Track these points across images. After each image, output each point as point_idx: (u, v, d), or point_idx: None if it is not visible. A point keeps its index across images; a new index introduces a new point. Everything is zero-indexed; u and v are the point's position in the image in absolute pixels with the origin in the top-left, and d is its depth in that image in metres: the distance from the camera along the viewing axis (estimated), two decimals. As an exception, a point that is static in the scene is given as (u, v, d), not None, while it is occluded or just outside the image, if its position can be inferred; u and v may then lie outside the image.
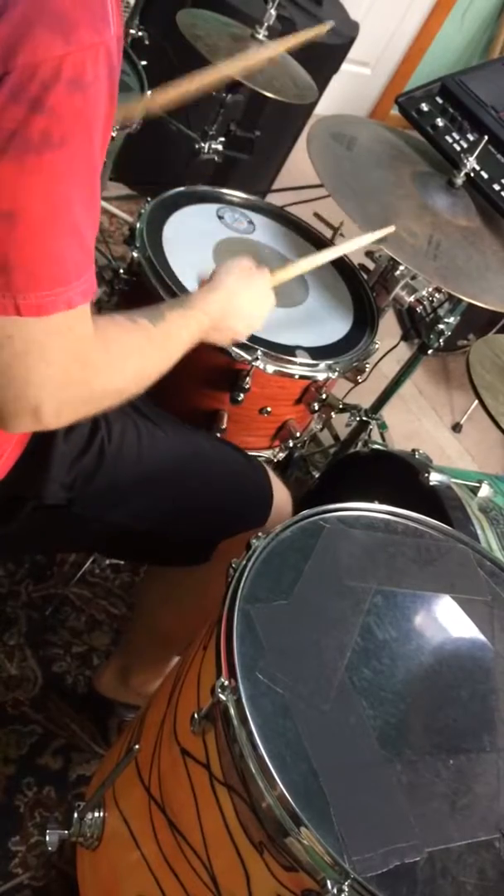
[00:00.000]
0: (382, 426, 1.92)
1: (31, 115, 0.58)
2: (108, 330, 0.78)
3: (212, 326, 1.00)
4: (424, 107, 1.52)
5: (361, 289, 1.51)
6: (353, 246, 1.25)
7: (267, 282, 1.10)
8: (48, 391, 0.70)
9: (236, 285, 1.04)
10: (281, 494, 1.14)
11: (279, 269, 1.14)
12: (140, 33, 1.93)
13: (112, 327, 0.81)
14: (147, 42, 1.93)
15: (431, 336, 1.60)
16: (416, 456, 1.31)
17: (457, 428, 2.54)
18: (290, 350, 1.28)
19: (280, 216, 1.58)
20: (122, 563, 1.59)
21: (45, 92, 0.58)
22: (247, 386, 1.25)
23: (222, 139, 1.90)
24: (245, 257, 1.10)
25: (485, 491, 1.25)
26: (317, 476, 1.77)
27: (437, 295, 1.60)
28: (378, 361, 1.76)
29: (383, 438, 1.96)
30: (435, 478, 1.21)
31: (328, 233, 1.60)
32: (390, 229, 1.28)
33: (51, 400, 0.71)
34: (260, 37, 1.70)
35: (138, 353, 0.84)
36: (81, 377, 0.73)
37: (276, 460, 1.45)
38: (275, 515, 1.12)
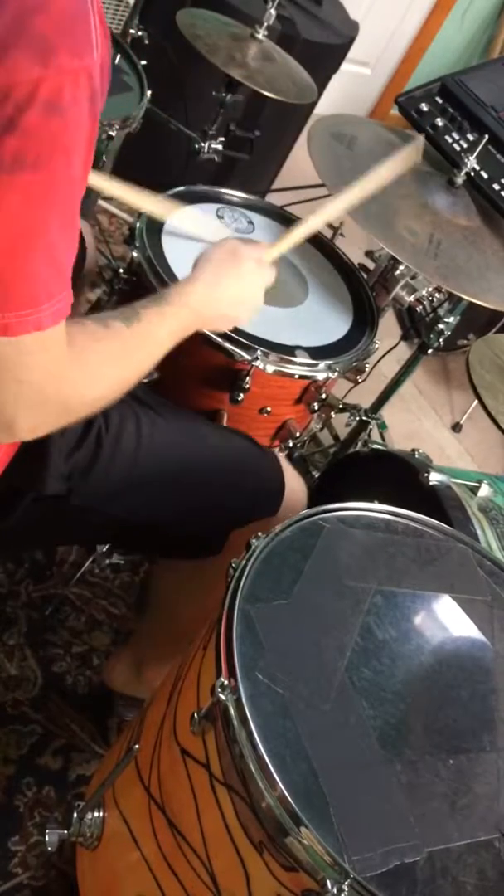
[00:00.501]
0: (382, 426, 1.92)
1: (4, 135, 0.58)
2: (81, 340, 0.76)
3: (200, 319, 0.97)
4: (424, 107, 1.52)
5: (361, 288, 1.51)
6: (381, 176, 1.15)
7: (258, 257, 1.06)
8: (22, 408, 0.70)
9: (216, 274, 1.00)
10: (294, 483, 1.12)
11: (280, 238, 1.10)
12: (140, 33, 1.93)
13: (85, 337, 0.78)
14: (147, 42, 1.93)
15: (431, 336, 1.60)
16: (416, 456, 1.31)
17: (457, 428, 2.54)
18: (289, 350, 1.28)
19: (280, 216, 1.58)
20: (121, 562, 1.59)
21: (19, 113, 0.57)
22: (246, 386, 1.25)
23: (222, 139, 1.90)
24: (229, 240, 1.06)
25: (484, 491, 1.25)
26: (317, 476, 1.77)
27: (436, 294, 1.60)
28: (378, 361, 1.76)
29: (383, 438, 1.96)
30: (435, 478, 1.21)
31: (328, 233, 1.60)
32: (420, 142, 1.19)
33: (25, 416, 0.71)
34: (260, 36, 1.70)
35: (114, 360, 0.82)
36: (56, 392, 0.72)
37: (275, 460, 1.45)
38: (288, 504, 1.10)
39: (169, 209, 1.29)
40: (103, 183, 1.13)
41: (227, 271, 1.01)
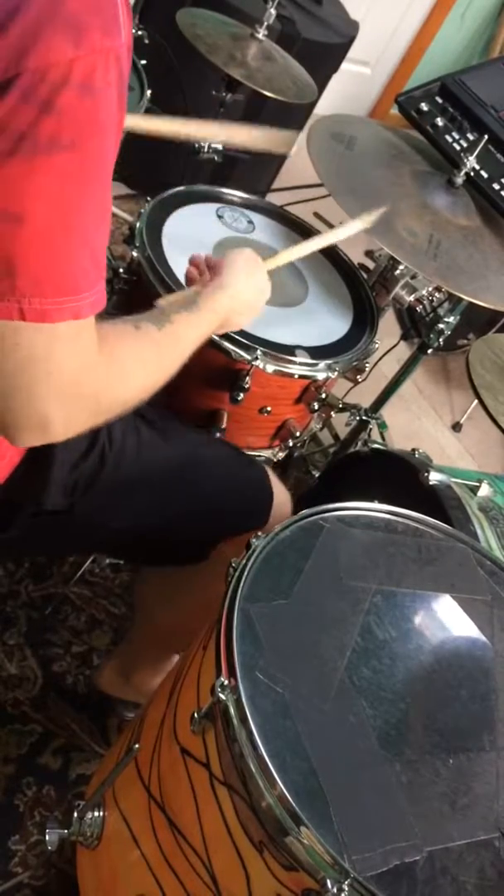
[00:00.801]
0: (382, 426, 1.92)
1: (41, 116, 0.58)
2: (112, 338, 0.76)
3: (222, 323, 1.00)
4: (424, 106, 1.52)
5: (361, 288, 1.51)
6: (344, 233, 1.21)
7: (264, 270, 1.09)
8: (55, 403, 0.69)
9: (243, 281, 1.03)
10: (281, 496, 1.14)
11: (269, 257, 1.13)
12: (140, 33, 1.93)
13: (116, 335, 0.78)
14: (147, 41, 1.93)
15: (431, 335, 1.60)
16: (416, 455, 1.31)
17: (457, 427, 2.54)
18: (289, 350, 1.28)
19: (280, 216, 1.58)
20: (122, 562, 1.59)
21: (55, 94, 0.58)
22: (246, 385, 1.25)
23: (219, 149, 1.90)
24: (248, 249, 1.08)
25: (484, 490, 1.25)
26: (317, 476, 1.77)
27: (436, 294, 1.60)
28: (378, 361, 1.76)
29: (383, 438, 1.96)
30: (435, 477, 1.21)
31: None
32: (381, 211, 1.25)
33: (58, 412, 0.70)
34: (260, 36, 1.70)
35: (144, 361, 0.82)
36: (89, 388, 0.72)
37: (276, 460, 1.45)
38: (274, 517, 1.12)
39: (208, 130, 1.30)
40: (136, 120, 1.14)
41: (248, 280, 1.04)
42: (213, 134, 1.29)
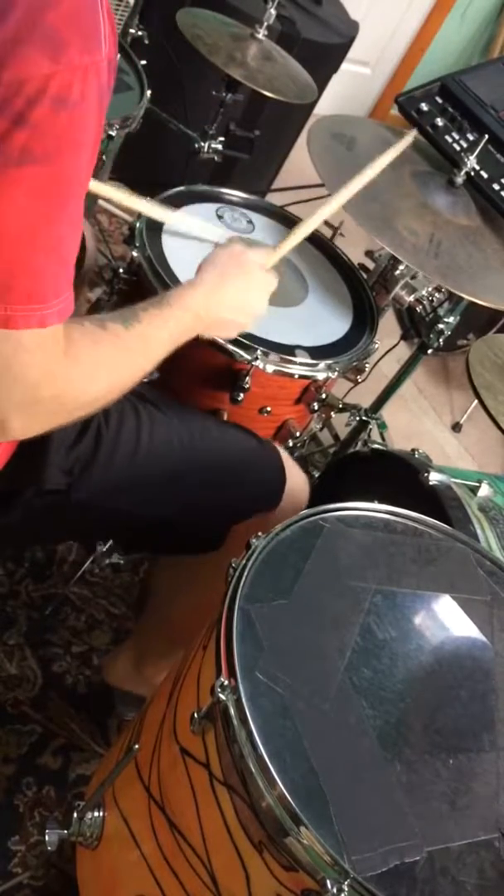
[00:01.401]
0: (382, 426, 1.92)
1: (13, 129, 0.58)
2: (78, 339, 0.75)
3: (202, 323, 0.97)
4: (424, 106, 1.52)
5: (361, 288, 1.51)
6: (375, 170, 1.16)
7: (262, 262, 1.06)
8: (16, 408, 0.69)
9: (219, 278, 1.00)
10: (296, 478, 1.12)
11: (280, 243, 1.10)
12: (140, 33, 1.93)
13: (82, 337, 0.77)
14: (147, 42, 1.93)
15: (431, 336, 1.60)
16: (416, 455, 1.31)
17: (457, 427, 2.54)
18: (289, 350, 1.28)
19: (280, 216, 1.58)
20: (121, 562, 1.59)
21: (29, 108, 0.58)
22: (246, 385, 1.25)
23: (222, 139, 1.90)
24: (235, 244, 1.06)
25: (484, 490, 1.25)
26: (317, 476, 1.77)
27: (436, 294, 1.60)
28: (378, 361, 1.76)
29: (383, 438, 1.96)
30: (434, 477, 1.21)
31: (328, 232, 1.60)
32: (412, 136, 1.21)
33: (18, 415, 0.70)
34: (259, 36, 1.70)
35: (111, 362, 0.81)
36: (51, 393, 0.71)
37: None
38: (289, 498, 1.09)
39: (166, 214, 1.29)
40: (99, 186, 1.13)
41: (231, 276, 1.01)
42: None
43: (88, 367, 0.77)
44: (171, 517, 1.04)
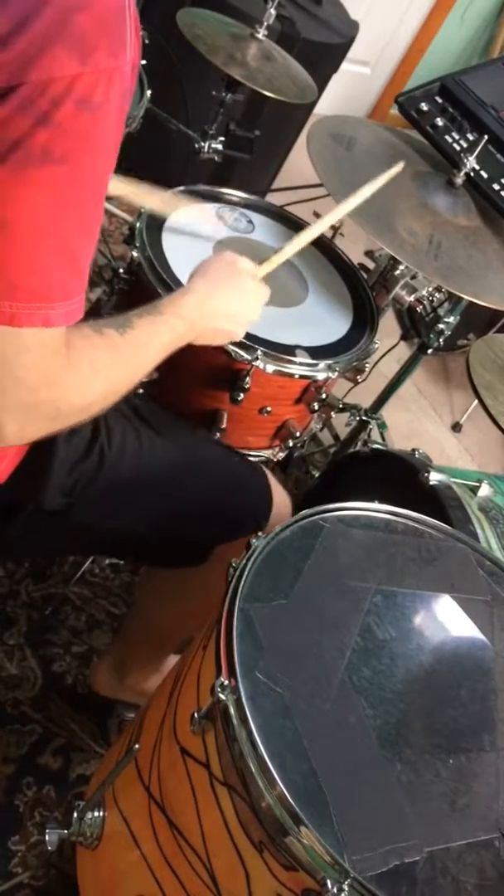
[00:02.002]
0: (382, 426, 1.92)
1: (37, 127, 0.58)
2: (76, 345, 0.74)
3: (194, 330, 0.97)
4: (424, 106, 1.52)
5: (361, 288, 1.51)
6: (365, 194, 1.17)
7: (253, 271, 1.06)
8: (11, 410, 0.69)
9: (211, 285, 1.00)
10: (280, 498, 1.14)
11: (266, 258, 1.10)
12: (140, 33, 1.93)
13: (80, 342, 0.76)
14: (147, 42, 1.93)
15: (431, 336, 1.60)
16: (416, 455, 1.31)
17: (457, 427, 2.54)
18: (289, 350, 1.28)
19: (280, 216, 1.58)
20: (122, 562, 1.59)
21: (54, 108, 0.58)
22: (246, 386, 1.25)
23: (222, 139, 1.90)
24: (227, 252, 1.06)
25: (484, 490, 1.25)
26: (317, 476, 1.77)
27: (436, 294, 1.60)
28: (378, 361, 1.76)
29: (383, 438, 1.96)
30: (434, 477, 1.21)
31: (328, 232, 1.60)
32: (399, 167, 1.22)
33: (14, 417, 0.69)
34: (259, 36, 1.70)
35: (106, 368, 0.80)
36: (48, 396, 0.71)
37: (276, 460, 1.45)
38: (274, 520, 1.11)
39: (170, 205, 1.29)
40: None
41: (223, 284, 1.01)
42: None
43: (86, 373, 0.76)
44: (159, 534, 1.05)
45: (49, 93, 0.58)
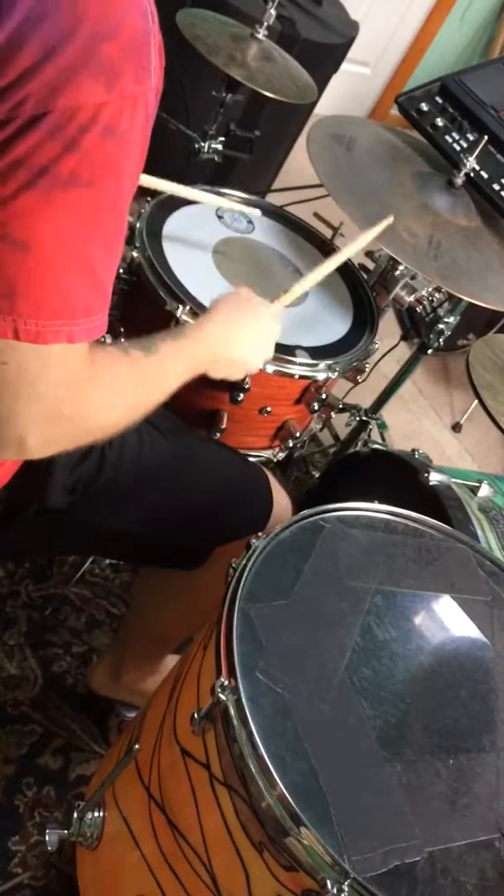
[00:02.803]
0: (382, 426, 1.93)
1: (65, 154, 0.59)
2: (101, 362, 0.75)
3: (212, 359, 1.00)
4: (424, 107, 1.52)
5: (361, 289, 1.51)
6: (353, 250, 1.23)
7: (268, 309, 1.10)
8: (35, 425, 0.69)
9: (232, 315, 1.03)
10: (281, 500, 1.14)
11: (282, 294, 1.14)
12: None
13: (106, 359, 0.78)
14: (147, 42, 1.93)
15: (431, 336, 1.60)
16: (416, 456, 1.31)
17: (457, 428, 2.54)
18: (289, 350, 1.28)
19: (280, 216, 1.58)
20: (121, 562, 1.59)
21: (82, 134, 0.59)
22: (246, 386, 1.25)
23: (222, 139, 1.90)
24: (243, 288, 1.10)
25: (485, 491, 1.25)
26: (317, 476, 1.77)
27: (436, 295, 1.60)
28: (378, 361, 1.76)
29: (383, 438, 1.96)
30: (435, 477, 1.21)
31: (328, 233, 1.60)
32: (389, 220, 1.27)
33: (37, 433, 0.70)
34: (259, 36, 1.70)
35: (131, 388, 0.82)
36: (71, 413, 0.72)
37: (276, 460, 1.45)
38: (274, 521, 1.11)
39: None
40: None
41: (242, 315, 1.05)
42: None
43: (109, 390, 0.77)
44: (159, 534, 1.06)
45: (77, 120, 0.58)
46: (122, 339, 0.86)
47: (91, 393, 0.73)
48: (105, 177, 0.62)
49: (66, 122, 0.58)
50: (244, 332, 1.05)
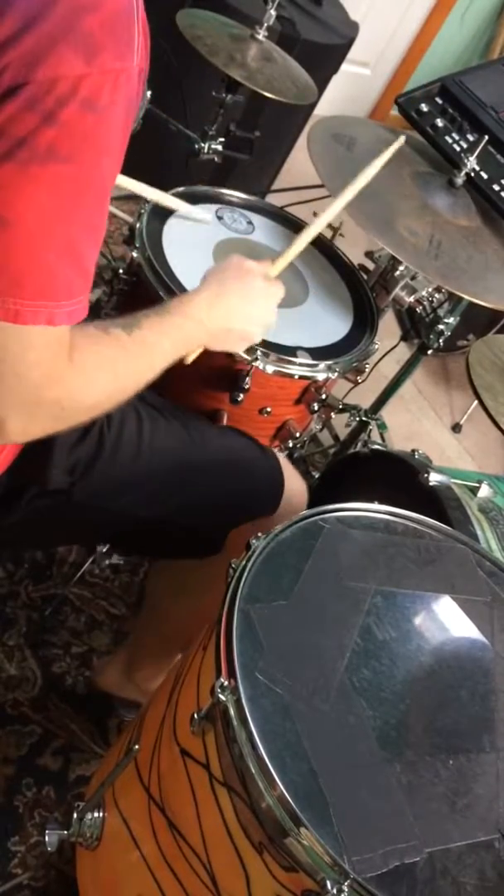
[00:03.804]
0: (382, 426, 1.92)
1: (43, 126, 0.59)
2: (80, 343, 0.74)
3: (206, 331, 0.97)
4: (424, 107, 1.52)
5: (361, 289, 1.51)
6: (364, 179, 1.17)
7: (265, 275, 1.05)
8: (16, 407, 0.69)
9: (220, 286, 0.99)
10: (294, 483, 1.12)
11: (279, 256, 1.10)
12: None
13: (86, 341, 0.76)
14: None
15: (431, 336, 1.60)
16: (416, 456, 1.31)
17: (456, 428, 2.54)
18: (290, 350, 1.28)
19: (280, 216, 1.58)
20: (121, 563, 1.59)
21: (60, 107, 0.59)
22: (246, 386, 1.25)
23: (222, 139, 1.90)
24: (235, 255, 1.05)
25: (484, 491, 1.25)
26: (317, 476, 1.77)
27: (436, 295, 1.60)
28: (378, 362, 1.76)
29: (383, 439, 1.96)
30: (434, 478, 1.21)
31: (328, 233, 1.60)
32: (401, 141, 1.23)
33: (18, 416, 0.69)
34: (259, 37, 1.70)
35: (112, 368, 0.79)
36: (52, 396, 0.71)
37: (275, 460, 1.45)
38: (287, 504, 1.10)
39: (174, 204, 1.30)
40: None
41: (232, 285, 1.00)
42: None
43: (91, 372, 0.76)
44: (169, 520, 1.05)
45: (55, 92, 0.58)
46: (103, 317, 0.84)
47: (72, 375, 0.72)
48: (84, 152, 0.61)
49: (45, 94, 0.58)
50: (236, 300, 1.00)
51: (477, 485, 1.26)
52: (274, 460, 1.13)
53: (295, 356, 1.27)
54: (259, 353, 1.22)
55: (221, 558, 1.08)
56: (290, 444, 1.42)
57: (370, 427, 1.79)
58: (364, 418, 1.75)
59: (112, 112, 0.61)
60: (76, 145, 0.61)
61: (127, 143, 0.66)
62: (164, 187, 1.44)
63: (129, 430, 0.99)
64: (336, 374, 1.30)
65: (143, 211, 1.36)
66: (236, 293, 1.00)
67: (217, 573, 1.08)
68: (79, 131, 0.60)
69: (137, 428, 1.00)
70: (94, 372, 0.77)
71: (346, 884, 0.64)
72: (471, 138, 1.48)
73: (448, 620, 0.90)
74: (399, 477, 1.27)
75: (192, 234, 1.40)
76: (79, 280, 0.67)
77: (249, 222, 1.51)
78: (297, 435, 1.39)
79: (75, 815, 0.96)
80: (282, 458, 1.15)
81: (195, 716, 0.75)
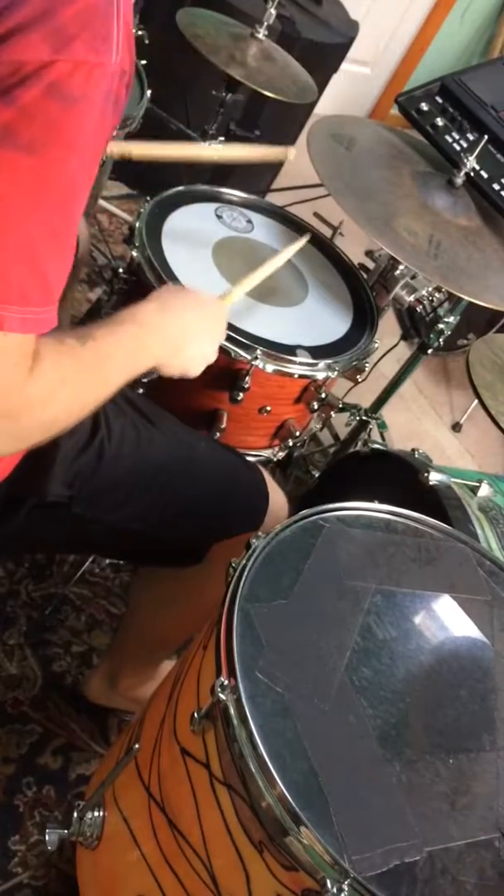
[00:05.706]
0: (382, 426, 1.92)
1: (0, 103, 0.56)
2: (41, 355, 0.69)
3: (162, 341, 0.93)
4: (424, 106, 1.52)
5: (361, 288, 1.51)
6: (279, 261, 1.26)
7: (217, 305, 1.06)
8: None
9: (175, 295, 0.98)
10: (277, 498, 1.14)
11: (226, 293, 1.13)
12: (140, 33, 1.93)
13: (44, 352, 0.70)
14: (147, 42, 1.93)
15: (431, 335, 1.60)
16: (416, 455, 1.31)
17: (457, 427, 2.54)
18: (290, 349, 1.28)
19: (279, 215, 1.58)
20: (121, 562, 1.59)
21: (20, 86, 0.56)
22: (246, 385, 1.25)
23: (222, 139, 1.90)
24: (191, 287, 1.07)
25: (484, 490, 1.25)
26: (317, 476, 1.77)
27: (436, 294, 1.60)
28: (378, 361, 1.76)
29: (383, 438, 1.96)
30: (434, 477, 1.21)
31: (328, 232, 1.60)
32: (304, 240, 1.35)
33: None
34: (260, 36, 1.70)
35: (71, 380, 0.74)
36: (7, 408, 0.66)
37: (275, 460, 1.45)
38: (270, 520, 1.11)
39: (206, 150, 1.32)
40: (131, 146, 1.16)
41: (182, 298, 1.00)
42: (209, 154, 1.30)
43: (49, 385, 0.71)
44: (157, 531, 1.05)
45: (18, 73, 0.56)
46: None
47: (29, 389, 0.67)
48: (51, 146, 0.58)
49: (8, 75, 0.56)
50: (189, 314, 0.98)
51: (477, 484, 1.26)
52: (259, 476, 1.14)
53: (295, 355, 1.27)
54: (259, 352, 1.22)
55: (203, 569, 1.09)
56: (290, 444, 1.42)
57: (370, 426, 1.79)
58: (364, 417, 1.75)
59: (84, 106, 0.58)
60: (38, 134, 0.57)
61: (104, 144, 0.63)
62: (165, 187, 1.44)
63: (128, 444, 0.99)
64: (336, 373, 1.30)
65: (142, 210, 1.36)
66: (187, 304, 0.99)
67: (198, 583, 1.09)
68: (42, 118, 0.57)
69: (136, 441, 1.00)
70: (54, 385, 0.72)
71: (346, 883, 0.64)
72: (471, 137, 1.48)
73: (448, 619, 0.90)
74: (399, 476, 1.27)
75: (191, 233, 1.40)
76: (35, 287, 0.62)
77: (249, 221, 1.51)
78: (297, 434, 1.39)
79: (75, 815, 0.96)
80: (266, 474, 1.15)
81: (195, 715, 0.75)
